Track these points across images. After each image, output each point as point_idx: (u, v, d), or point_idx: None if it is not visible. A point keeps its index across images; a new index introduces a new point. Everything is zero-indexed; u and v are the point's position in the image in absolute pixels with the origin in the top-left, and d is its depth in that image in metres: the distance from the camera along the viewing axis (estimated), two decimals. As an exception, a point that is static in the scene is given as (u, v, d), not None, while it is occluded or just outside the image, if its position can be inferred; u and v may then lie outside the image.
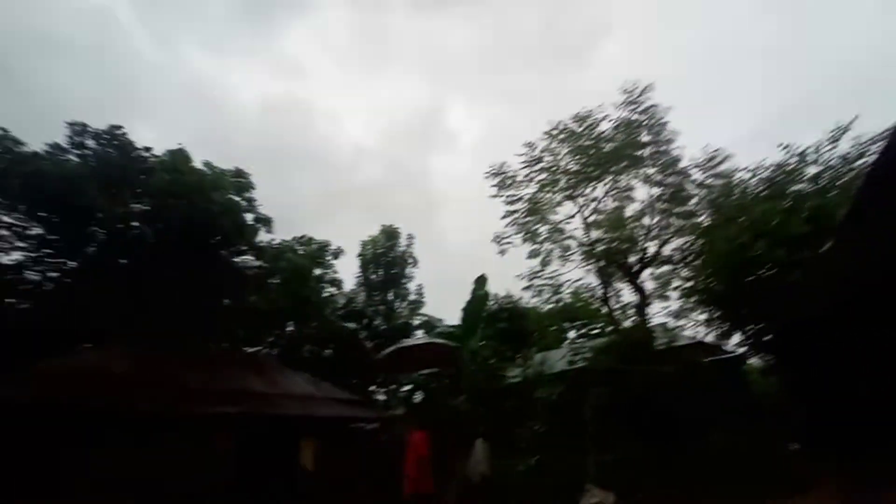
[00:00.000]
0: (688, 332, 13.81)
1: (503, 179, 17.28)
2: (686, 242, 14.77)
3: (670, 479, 7.98)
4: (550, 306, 17.64)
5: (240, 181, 20.36)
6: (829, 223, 8.53)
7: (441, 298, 44.66)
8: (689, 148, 15.66)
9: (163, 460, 9.92)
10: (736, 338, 12.51)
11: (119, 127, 16.59)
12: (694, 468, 8.35)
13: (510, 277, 18.75)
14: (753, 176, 13.32)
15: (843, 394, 8.66)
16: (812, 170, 12.05)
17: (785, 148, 12.52)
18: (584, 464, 10.04)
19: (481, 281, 14.68)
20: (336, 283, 24.93)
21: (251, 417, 11.81)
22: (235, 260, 19.46)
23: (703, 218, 14.71)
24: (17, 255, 14.78)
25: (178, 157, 17.98)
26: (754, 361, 14.13)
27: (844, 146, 11.57)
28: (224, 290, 18.24)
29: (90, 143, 16.06)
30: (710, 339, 13.18)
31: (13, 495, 7.63)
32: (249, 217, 20.20)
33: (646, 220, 15.80)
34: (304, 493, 12.15)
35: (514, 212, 16.93)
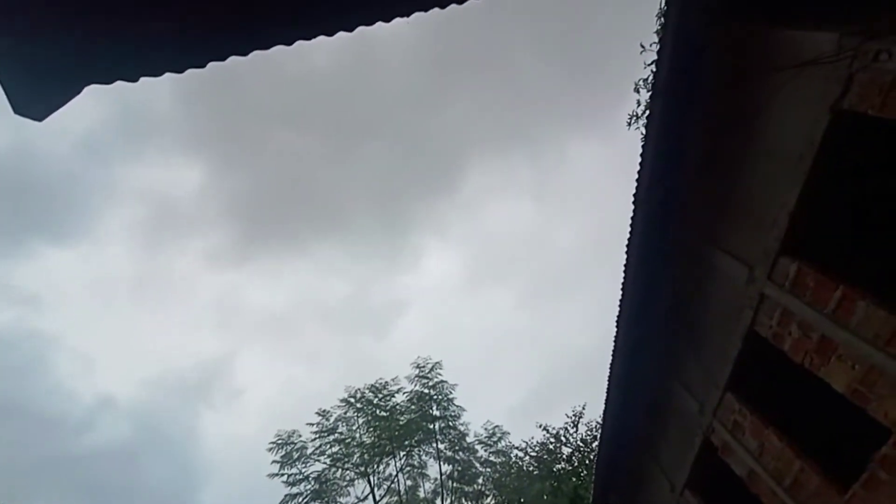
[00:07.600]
0: None
1: (290, 452, 15.22)
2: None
3: None
4: None
5: None
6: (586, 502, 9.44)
7: None
8: (473, 422, 16.98)
9: None
10: None
11: None
12: None
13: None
14: (525, 454, 14.74)
15: None
16: (566, 450, 14.05)
17: (543, 428, 14.65)
18: None
19: None
20: None
21: None
22: None
23: (489, 500, 14.90)
24: None
25: None
26: None
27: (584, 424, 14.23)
28: None
29: None
30: None
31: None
32: None
33: (438, 502, 15.12)
34: None
35: (297, 495, 14.38)
